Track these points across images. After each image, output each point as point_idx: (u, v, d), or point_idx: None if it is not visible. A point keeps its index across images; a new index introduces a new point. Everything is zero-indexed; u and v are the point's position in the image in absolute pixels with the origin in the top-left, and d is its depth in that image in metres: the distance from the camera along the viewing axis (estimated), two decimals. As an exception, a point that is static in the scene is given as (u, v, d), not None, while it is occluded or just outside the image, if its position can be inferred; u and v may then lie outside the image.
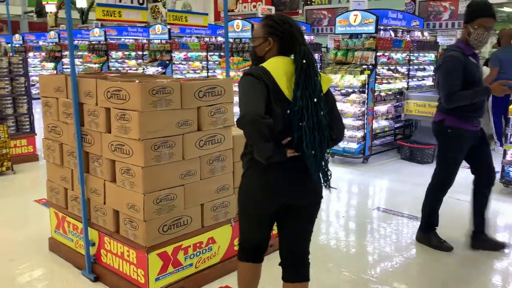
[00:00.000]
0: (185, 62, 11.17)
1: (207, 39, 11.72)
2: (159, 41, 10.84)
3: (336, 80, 7.09)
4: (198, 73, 11.42)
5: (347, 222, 4.77)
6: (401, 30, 7.71)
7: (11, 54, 8.77)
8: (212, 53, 11.67)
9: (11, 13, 9.25)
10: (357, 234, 4.45)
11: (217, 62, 11.49)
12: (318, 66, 10.79)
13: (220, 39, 11.80)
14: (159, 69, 10.59)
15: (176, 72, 10.75)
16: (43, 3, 20.98)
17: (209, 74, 11.64)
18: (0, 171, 6.12)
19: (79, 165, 3.30)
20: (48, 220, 3.96)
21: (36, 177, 6.27)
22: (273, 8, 13.11)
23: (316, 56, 10.77)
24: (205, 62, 11.61)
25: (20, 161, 6.68)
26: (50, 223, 3.92)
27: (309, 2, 15.32)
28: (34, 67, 15.63)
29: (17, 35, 16.81)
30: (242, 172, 2.47)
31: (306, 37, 10.41)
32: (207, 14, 4.67)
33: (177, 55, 10.92)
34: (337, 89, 7.12)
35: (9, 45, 10.76)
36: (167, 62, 10.68)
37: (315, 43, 10.74)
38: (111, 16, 3.51)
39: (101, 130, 3.15)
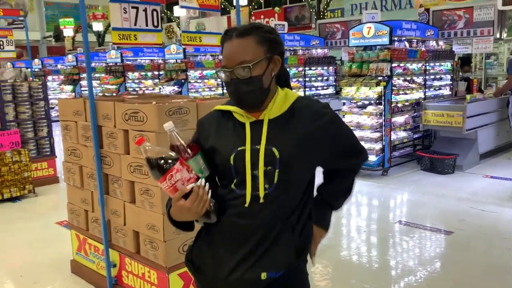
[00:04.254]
0: (200, 80, 11.26)
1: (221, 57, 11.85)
2: (174, 60, 10.97)
3: (352, 93, 7.06)
4: (214, 90, 11.50)
5: (368, 236, 4.70)
6: (415, 40, 7.67)
7: (31, 79, 8.93)
8: (226, 71, 11.76)
9: (30, 39, 9.48)
10: (379, 249, 4.38)
11: (232, 79, 11.53)
12: (333, 79, 10.80)
13: (234, 56, 11.86)
14: (175, 88, 10.70)
15: (191, 90, 10.84)
16: (61, 27, 21.51)
17: (224, 91, 11.73)
18: (22, 194, 6.21)
19: (99, 187, 3.34)
20: (69, 242, 3.99)
21: (57, 199, 6.34)
22: (285, 23, 13.19)
23: (331, 69, 10.78)
24: (220, 80, 11.71)
25: (41, 183, 6.77)
26: (72, 245, 3.95)
27: (321, 16, 15.35)
28: (53, 90, 15.93)
29: (36, 60, 17.20)
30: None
31: (319, 50, 10.50)
32: (220, 34, 4.72)
33: (193, 73, 11.03)
34: (353, 101, 7.09)
35: (29, 70, 11.03)
36: (183, 81, 10.78)
37: (329, 56, 10.75)
38: (127, 39, 3.58)
39: (120, 152, 3.18)
